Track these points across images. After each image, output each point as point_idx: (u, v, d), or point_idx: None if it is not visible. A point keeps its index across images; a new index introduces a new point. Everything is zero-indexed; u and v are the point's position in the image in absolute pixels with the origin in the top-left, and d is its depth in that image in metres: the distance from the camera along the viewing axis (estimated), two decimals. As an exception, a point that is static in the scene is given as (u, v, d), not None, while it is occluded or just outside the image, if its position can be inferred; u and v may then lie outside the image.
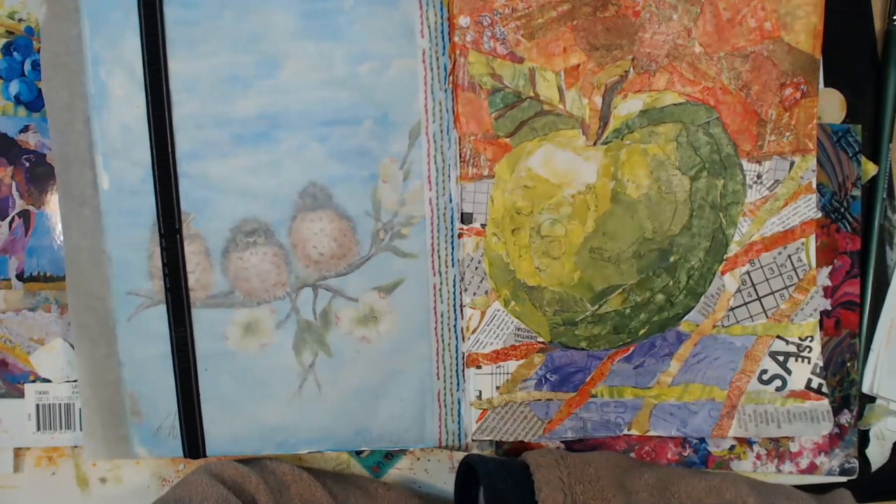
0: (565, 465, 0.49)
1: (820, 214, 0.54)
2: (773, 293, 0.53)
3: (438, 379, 0.53)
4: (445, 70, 0.52)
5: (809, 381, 0.53)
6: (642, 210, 0.52)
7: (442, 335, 0.52)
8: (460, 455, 0.55)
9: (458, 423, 0.53)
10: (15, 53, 0.53)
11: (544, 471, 0.48)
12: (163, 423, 0.52)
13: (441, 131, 0.52)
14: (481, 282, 0.52)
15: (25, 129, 0.53)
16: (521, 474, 0.49)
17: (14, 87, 0.53)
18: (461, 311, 0.52)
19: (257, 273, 0.52)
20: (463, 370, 0.53)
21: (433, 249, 0.52)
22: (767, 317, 0.53)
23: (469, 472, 0.52)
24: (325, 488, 0.51)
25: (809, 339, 0.53)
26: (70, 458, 0.54)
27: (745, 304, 0.53)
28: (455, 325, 0.52)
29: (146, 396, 0.52)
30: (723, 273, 0.52)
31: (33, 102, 0.53)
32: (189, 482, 0.49)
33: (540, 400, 0.53)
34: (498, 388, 0.52)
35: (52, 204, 0.53)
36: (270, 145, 0.51)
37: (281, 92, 0.51)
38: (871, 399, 0.55)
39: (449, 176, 0.52)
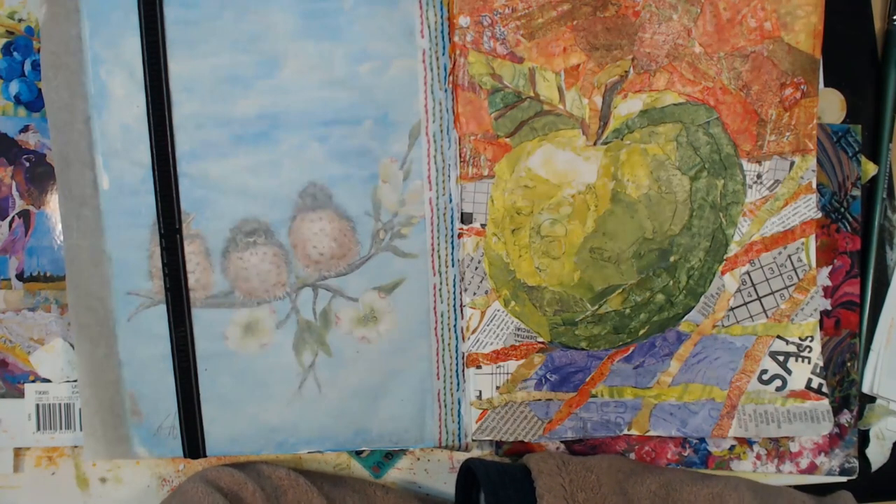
0: (567, 472, 0.49)
1: (820, 214, 0.54)
2: (773, 293, 0.53)
3: (438, 379, 0.53)
4: (445, 70, 0.52)
5: (809, 380, 0.53)
6: (642, 210, 0.52)
7: (442, 335, 0.52)
8: (460, 455, 0.55)
9: (458, 423, 0.53)
10: (15, 53, 0.53)
11: (546, 478, 0.48)
12: (163, 423, 0.52)
13: (441, 131, 0.52)
14: (481, 282, 0.52)
15: (25, 129, 0.53)
16: (522, 481, 0.49)
17: (14, 87, 0.53)
18: (461, 311, 0.52)
19: (257, 273, 0.52)
20: (463, 370, 0.53)
21: (433, 249, 0.52)
22: (767, 317, 0.53)
23: (470, 475, 0.52)
24: (322, 493, 0.51)
25: (809, 339, 0.53)
26: (70, 458, 0.54)
27: (745, 304, 0.53)
28: (455, 325, 0.52)
29: (146, 396, 0.52)
30: (723, 273, 0.52)
31: (33, 102, 0.53)
32: (185, 490, 0.49)
33: (540, 400, 0.53)
34: (498, 388, 0.52)
35: (52, 204, 0.53)
36: (270, 145, 0.51)
37: (281, 92, 0.51)
38: (871, 399, 0.55)
39: (449, 176, 0.52)
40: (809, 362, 0.53)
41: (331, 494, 0.51)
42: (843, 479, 0.54)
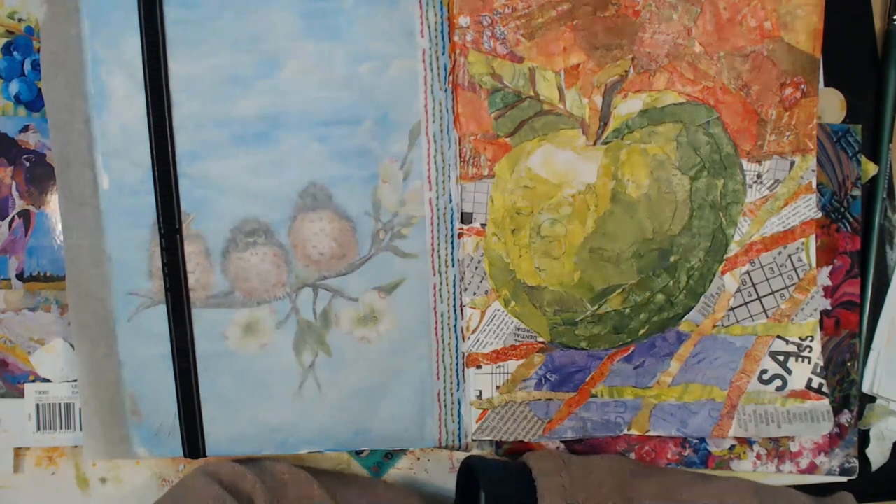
0: (567, 472, 0.49)
1: (820, 214, 0.54)
2: (773, 293, 0.53)
3: (438, 379, 0.53)
4: (445, 70, 0.52)
5: (810, 380, 0.53)
6: (642, 210, 0.52)
7: (442, 335, 0.52)
8: (460, 455, 0.55)
9: (458, 423, 0.53)
10: (15, 53, 0.53)
11: (546, 478, 0.48)
12: (163, 423, 0.52)
13: (441, 131, 0.52)
14: (481, 282, 0.52)
15: (25, 129, 0.53)
16: (522, 481, 0.49)
17: (14, 87, 0.53)
18: (461, 311, 0.52)
19: (257, 273, 0.52)
20: (463, 370, 0.53)
21: (433, 249, 0.52)
22: (767, 317, 0.53)
23: (470, 472, 0.51)
24: (324, 487, 0.51)
25: (809, 338, 0.53)
26: (70, 458, 0.54)
27: (746, 303, 0.53)
28: (455, 325, 0.52)
29: (146, 396, 0.52)
30: (723, 273, 0.52)
31: (33, 102, 0.53)
32: (186, 483, 0.49)
33: (540, 400, 0.53)
34: (498, 387, 0.52)
35: (52, 204, 0.53)
36: (270, 145, 0.51)
37: (281, 92, 0.51)
38: (871, 399, 0.55)
39: (449, 176, 0.52)
40: (809, 362, 0.53)
41: (332, 488, 0.51)
42: (843, 479, 0.54)
